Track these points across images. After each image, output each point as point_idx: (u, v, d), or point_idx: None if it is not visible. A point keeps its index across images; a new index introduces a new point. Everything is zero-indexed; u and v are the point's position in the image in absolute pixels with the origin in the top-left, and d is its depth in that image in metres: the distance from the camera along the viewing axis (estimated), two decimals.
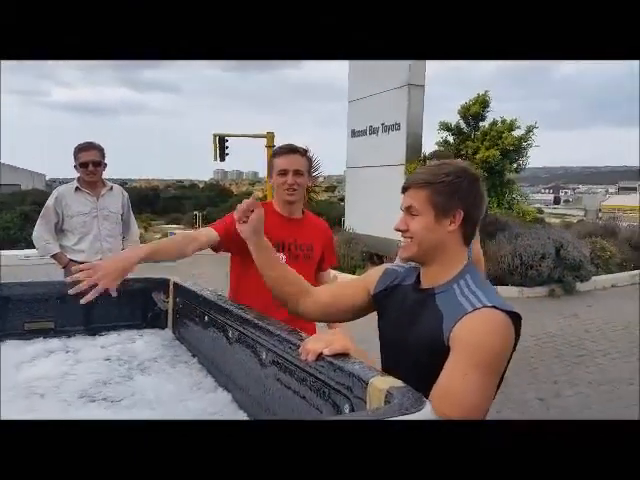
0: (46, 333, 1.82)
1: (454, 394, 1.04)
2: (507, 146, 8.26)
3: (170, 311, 1.99)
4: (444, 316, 1.16)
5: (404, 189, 1.28)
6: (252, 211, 1.40)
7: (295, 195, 2.06)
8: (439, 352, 1.11)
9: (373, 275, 1.43)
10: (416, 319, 1.23)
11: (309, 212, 2.22)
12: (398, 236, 1.32)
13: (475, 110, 8.85)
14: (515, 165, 8.74)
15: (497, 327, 1.11)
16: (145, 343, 1.75)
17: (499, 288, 7.41)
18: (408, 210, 1.25)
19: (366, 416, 0.80)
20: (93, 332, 1.87)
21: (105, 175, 3.29)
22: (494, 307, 1.12)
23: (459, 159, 1.41)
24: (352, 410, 0.91)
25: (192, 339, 1.76)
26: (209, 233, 1.82)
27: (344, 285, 1.49)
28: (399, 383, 0.85)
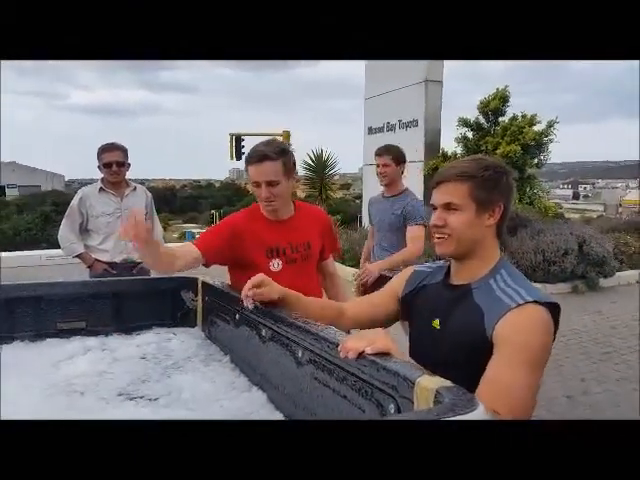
0: (78, 332, 1.84)
1: (505, 391, 1.04)
2: (528, 141, 8.15)
3: (199, 310, 1.99)
4: (485, 312, 1.15)
5: (438, 184, 1.25)
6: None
7: (274, 205, 1.90)
8: (481, 348, 1.12)
9: (401, 279, 1.43)
10: (453, 317, 1.22)
11: (301, 203, 2.09)
12: None
13: (494, 105, 8.75)
14: (536, 160, 8.62)
15: (541, 324, 1.11)
16: (179, 342, 1.76)
17: None
18: (446, 206, 1.22)
19: (420, 415, 0.78)
20: (124, 331, 1.88)
21: (126, 175, 3.31)
22: (535, 302, 1.12)
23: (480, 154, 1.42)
24: (398, 410, 0.89)
25: (223, 338, 1.76)
26: (191, 250, 1.77)
27: (375, 299, 1.48)
28: (448, 383, 0.83)
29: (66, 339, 1.74)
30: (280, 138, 16.60)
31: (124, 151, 3.22)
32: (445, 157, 8.59)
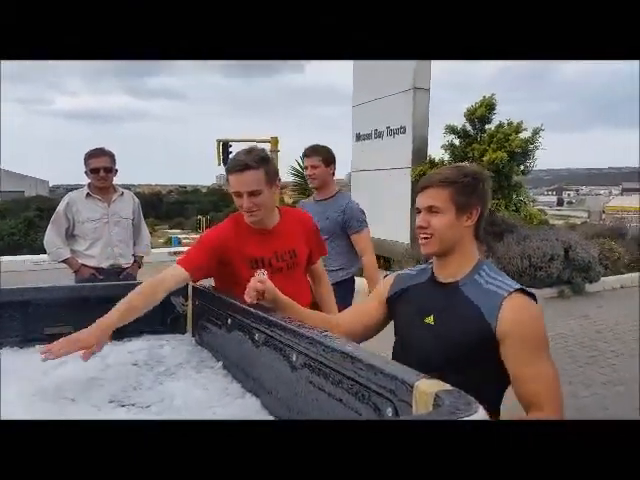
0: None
1: (538, 386, 1.21)
2: (514, 149, 8.23)
3: (190, 315, 1.97)
4: (480, 306, 1.27)
5: (422, 189, 1.37)
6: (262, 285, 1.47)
7: (256, 215, 1.84)
8: (486, 340, 1.24)
9: (385, 284, 1.53)
10: (448, 313, 1.32)
11: (286, 209, 2.06)
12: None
13: (481, 113, 8.82)
14: (522, 167, 8.71)
15: (534, 314, 1.26)
16: (170, 348, 1.73)
17: None
18: (429, 209, 1.35)
19: (421, 417, 0.78)
20: (113, 337, 1.85)
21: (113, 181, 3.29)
22: (522, 290, 1.28)
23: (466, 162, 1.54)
24: (396, 413, 0.89)
25: (214, 343, 1.74)
26: (176, 273, 1.71)
27: (365, 307, 1.56)
28: (447, 386, 0.83)
29: None
30: (268, 144, 16.59)
31: (112, 157, 3.20)
32: (432, 164, 8.63)
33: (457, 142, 9.02)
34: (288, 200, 17.65)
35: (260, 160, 1.81)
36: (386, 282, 1.54)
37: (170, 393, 1.36)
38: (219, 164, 16.94)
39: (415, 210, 1.39)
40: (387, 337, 1.56)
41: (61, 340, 1.40)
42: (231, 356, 1.59)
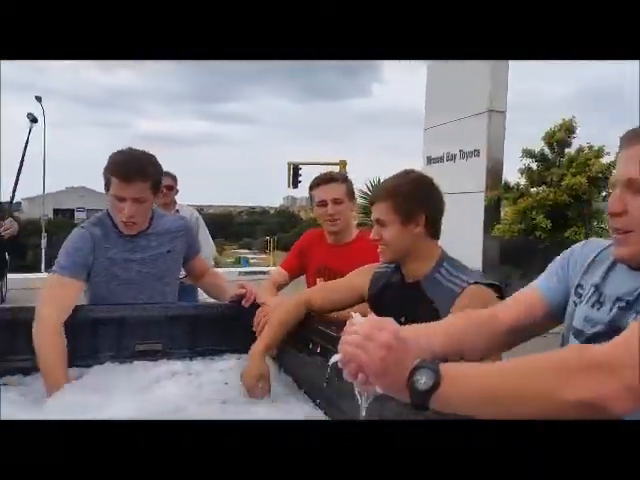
0: (154, 355, 1.87)
1: None
2: (595, 174, 7.82)
3: None
4: (437, 303, 1.34)
5: (370, 202, 1.48)
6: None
7: (337, 224, 2.16)
8: None
9: (364, 278, 1.60)
10: (413, 315, 1.32)
11: (366, 235, 2.05)
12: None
13: (560, 136, 8.48)
14: (604, 193, 8.25)
15: (478, 299, 1.26)
16: None
17: None
18: (378, 222, 1.43)
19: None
20: (198, 354, 1.90)
21: (185, 201, 3.89)
22: (475, 282, 1.31)
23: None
24: None
25: (295, 367, 1.74)
26: (278, 271, 2.30)
27: (339, 290, 1.68)
28: None
29: (151, 362, 1.78)
30: (337, 167, 16.77)
31: (173, 177, 3.66)
32: (507, 188, 8.37)
33: (534, 166, 8.70)
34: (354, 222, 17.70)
35: (343, 177, 2.23)
36: (364, 276, 1.60)
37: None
38: (289, 186, 17.32)
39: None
40: None
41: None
42: (313, 382, 1.59)
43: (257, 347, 1.61)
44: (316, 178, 2.21)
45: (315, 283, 2.12)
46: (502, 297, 1.31)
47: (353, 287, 1.63)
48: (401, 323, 1.36)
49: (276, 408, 1.46)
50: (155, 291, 1.99)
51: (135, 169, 1.75)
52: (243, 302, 1.98)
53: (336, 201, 2.10)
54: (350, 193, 2.17)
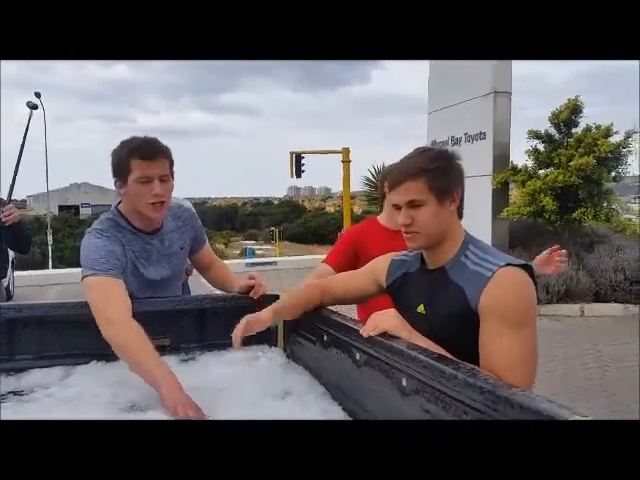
0: (162, 350, 1.82)
1: (502, 361, 1.14)
2: (603, 153, 7.68)
3: (281, 328, 1.94)
4: (465, 288, 1.23)
5: (396, 185, 1.30)
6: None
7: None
8: (469, 322, 1.20)
9: (381, 267, 1.52)
10: (435, 299, 1.30)
11: None
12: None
13: (566, 116, 8.33)
14: (614, 174, 8.11)
15: (517, 282, 1.19)
16: (266, 361, 1.71)
17: (601, 306, 6.87)
18: (410, 203, 1.28)
19: None
20: (207, 348, 1.85)
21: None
22: (508, 264, 1.20)
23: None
24: None
25: (308, 359, 1.69)
26: (321, 269, 2.11)
27: (354, 278, 1.62)
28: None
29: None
30: (340, 155, 16.65)
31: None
32: (515, 170, 8.26)
33: (541, 147, 8.57)
34: (357, 210, 17.57)
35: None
36: (381, 265, 1.53)
37: (269, 413, 1.32)
38: (292, 176, 17.21)
39: (393, 207, 1.35)
40: None
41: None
42: (327, 375, 1.53)
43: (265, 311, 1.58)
44: (386, 170, 2.07)
45: None
46: (534, 278, 1.23)
47: (372, 277, 1.55)
48: (426, 312, 1.32)
49: (289, 403, 1.41)
50: (168, 289, 1.94)
51: (156, 146, 1.74)
52: (251, 293, 1.92)
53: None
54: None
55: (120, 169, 1.73)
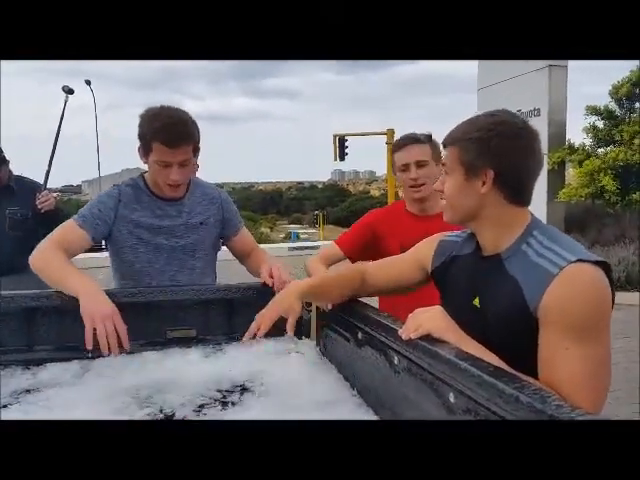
0: (189, 341, 1.71)
1: (564, 379, 0.96)
2: None
3: (313, 321, 1.78)
4: (522, 284, 1.04)
5: (443, 146, 1.22)
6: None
7: (422, 191, 1.90)
8: (527, 327, 1.02)
9: (427, 250, 1.35)
10: (489, 294, 1.13)
11: None
12: None
13: (627, 90, 7.73)
14: None
15: (591, 286, 0.98)
16: (297, 356, 1.56)
17: None
18: (444, 168, 1.19)
19: None
20: (235, 340, 1.73)
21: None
22: (580, 260, 0.99)
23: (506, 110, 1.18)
24: None
25: (341, 357, 1.52)
26: (329, 250, 2.06)
27: (397, 263, 1.46)
28: None
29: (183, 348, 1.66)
30: (384, 137, 16.31)
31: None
32: (572, 149, 7.75)
33: (601, 124, 8.01)
34: (402, 193, 17.27)
35: (427, 137, 1.91)
36: (428, 246, 1.36)
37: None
38: (335, 159, 17.05)
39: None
40: None
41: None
42: (360, 376, 1.36)
43: (299, 283, 1.55)
44: (398, 140, 1.98)
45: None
46: (611, 278, 1.01)
47: (416, 262, 1.38)
48: (472, 304, 1.16)
49: (325, 402, 1.26)
50: (185, 265, 1.89)
51: (180, 133, 1.69)
52: (274, 288, 1.78)
53: (419, 163, 1.88)
54: (437, 155, 1.87)
55: (143, 142, 1.73)
